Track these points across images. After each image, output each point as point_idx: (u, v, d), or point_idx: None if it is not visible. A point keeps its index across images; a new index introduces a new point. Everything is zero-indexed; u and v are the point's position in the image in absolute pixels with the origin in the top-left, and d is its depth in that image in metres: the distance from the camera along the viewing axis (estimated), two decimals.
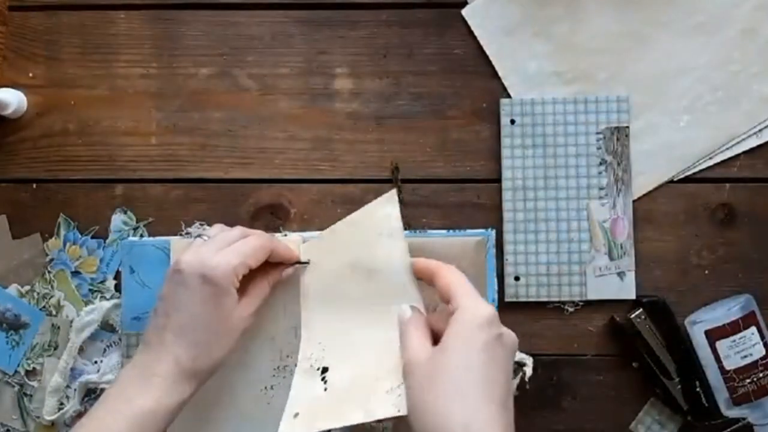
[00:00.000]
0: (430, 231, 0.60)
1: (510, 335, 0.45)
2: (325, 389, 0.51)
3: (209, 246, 0.51)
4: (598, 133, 0.57)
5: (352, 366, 0.51)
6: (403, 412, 0.45)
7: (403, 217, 0.56)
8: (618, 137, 0.56)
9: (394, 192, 0.53)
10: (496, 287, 0.59)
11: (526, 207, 0.59)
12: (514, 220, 0.59)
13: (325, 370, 0.52)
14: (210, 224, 0.60)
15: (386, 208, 0.53)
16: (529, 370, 0.57)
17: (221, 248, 0.51)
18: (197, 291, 0.49)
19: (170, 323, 0.49)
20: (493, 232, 0.59)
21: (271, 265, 0.55)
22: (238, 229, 0.54)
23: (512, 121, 0.59)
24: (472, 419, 0.40)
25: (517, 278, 0.59)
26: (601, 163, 0.57)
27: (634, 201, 0.60)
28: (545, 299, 0.59)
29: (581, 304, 0.59)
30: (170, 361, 0.48)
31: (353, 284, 0.53)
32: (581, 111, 0.58)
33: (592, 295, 0.59)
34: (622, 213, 0.57)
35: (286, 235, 0.60)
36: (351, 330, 0.53)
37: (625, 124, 0.57)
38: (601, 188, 0.57)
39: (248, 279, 0.52)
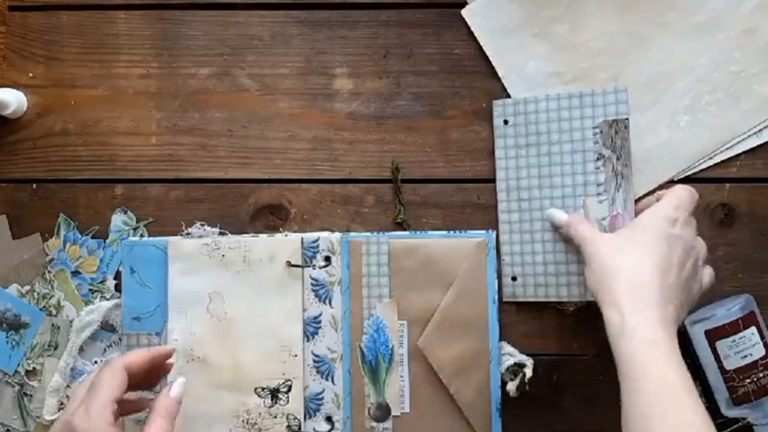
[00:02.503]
0: (430, 231, 0.60)
1: (688, 239, 0.52)
2: None
3: (72, 400, 0.48)
4: (594, 127, 0.56)
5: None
6: None
7: (404, 217, 0.56)
8: (617, 130, 0.55)
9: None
10: (496, 288, 0.59)
11: (521, 207, 0.59)
12: (509, 221, 0.59)
13: (514, 278, 0.57)
14: (210, 224, 0.61)
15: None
16: (529, 372, 0.57)
17: (82, 399, 0.47)
18: None
19: None
20: (493, 234, 0.59)
21: (156, 399, 0.50)
22: (95, 369, 0.53)
23: (505, 122, 0.59)
24: (639, 276, 0.48)
25: (514, 278, 0.59)
26: (598, 158, 0.56)
27: (634, 201, 0.60)
28: (543, 299, 0.59)
29: (581, 303, 0.59)
30: None
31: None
32: (576, 106, 0.58)
33: (590, 295, 0.59)
34: (622, 209, 0.56)
35: (286, 236, 0.60)
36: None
37: (624, 116, 0.56)
38: (599, 184, 0.57)
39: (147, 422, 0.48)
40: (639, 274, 0.49)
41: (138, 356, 0.51)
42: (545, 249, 0.58)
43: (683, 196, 0.53)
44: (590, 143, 0.56)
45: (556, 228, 0.57)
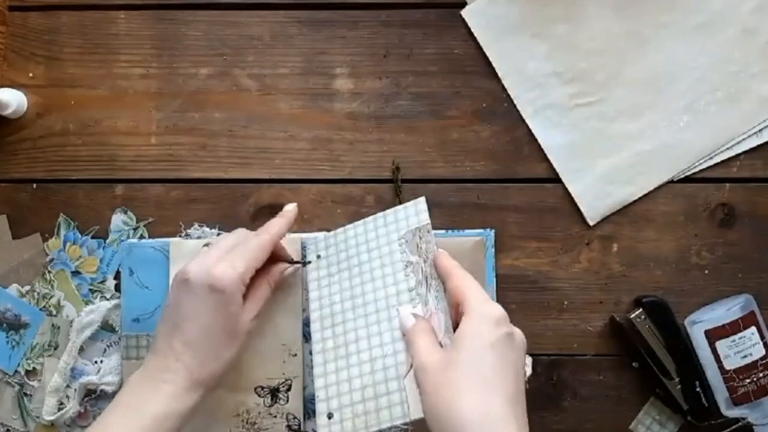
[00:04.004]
0: None
1: (519, 335, 0.46)
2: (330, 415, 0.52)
3: (212, 254, 0.51)
4: (400, 239, 0.55)
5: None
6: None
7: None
8: (420, 236, 0.54)
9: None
10: (495, 287, 0.59)
11: (335, 332, 0.55)
12: (323, 350, 0.55)
13: (330, 416, 0.52)
14: (210, 225, 0.61)
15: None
16: (528, 370, 0.57)
17: (223, 255, 0.51)
18: (205, 300, 0.49)
19: (179, 332, 0.49)
20: (492, 232, 0.59)
21: (271, 265, 0.55)
22: (239, 232, 0.55)
23: (318, 257, 0.58)
24: (485, 412, 0.41)
25: (330, 416, 0.52)
26: (406, 266, 0.54)
27: (634, 201, 0.60)
28: (364, 431, 0.51)
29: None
30: (180, 370, 0.49)
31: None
32: (381, 225, 0.56)
33: (417, 412, 0.48)
34: (435, 307, 0.50)
35: (286, 236, 0.60)
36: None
37: (425, 222, 0.54)
38: (410, 290, 0.53)
39: (250, 281, 0.52)
40: (489, 426, 0.41)
41: (282, 248, 0.56)
42: (362, 371, 0.52)
43: (473, 281, 0.48)
44: (397, 255, 0.54)
45: (402, 334, 0.51)
